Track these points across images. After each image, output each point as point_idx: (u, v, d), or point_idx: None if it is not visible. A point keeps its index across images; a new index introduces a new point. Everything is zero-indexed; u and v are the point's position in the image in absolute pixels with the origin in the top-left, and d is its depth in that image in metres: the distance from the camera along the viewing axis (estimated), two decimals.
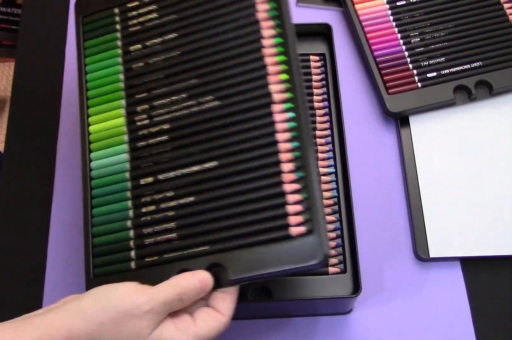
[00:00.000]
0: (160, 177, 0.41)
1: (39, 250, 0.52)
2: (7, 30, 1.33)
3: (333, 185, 0.51)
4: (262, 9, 0.42)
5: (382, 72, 0.57)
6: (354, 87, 0.60)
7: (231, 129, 0.40)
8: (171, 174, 0.41)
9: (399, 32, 0.59)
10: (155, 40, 0.45)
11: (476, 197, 0.53)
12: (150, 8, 0.46)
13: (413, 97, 0.56)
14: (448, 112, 0.57)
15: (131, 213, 0.42)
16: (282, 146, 0.39)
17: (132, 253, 0.41)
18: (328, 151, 0.53)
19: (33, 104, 0.60)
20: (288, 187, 0.38)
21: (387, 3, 0.60)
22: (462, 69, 0.57)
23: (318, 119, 0.54)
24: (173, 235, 0.40)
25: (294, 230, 0.37)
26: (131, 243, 0.41)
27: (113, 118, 0.44)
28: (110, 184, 0.43)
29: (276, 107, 0.40)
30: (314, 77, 0.56)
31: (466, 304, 0.50)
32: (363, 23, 0.60)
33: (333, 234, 0.48)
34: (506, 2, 0.60)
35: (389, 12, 0.60)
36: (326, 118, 0.54)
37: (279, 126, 0.39)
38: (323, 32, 0.58)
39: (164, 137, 0.42)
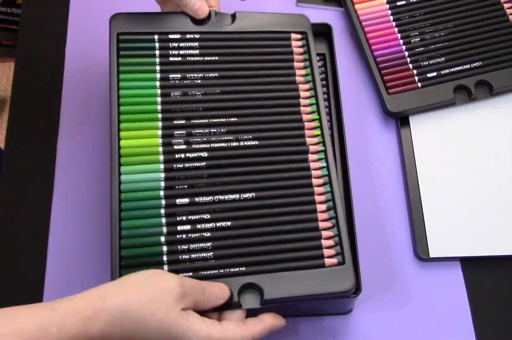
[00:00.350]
0: (197, 199, 0.44)
1: (39, 250, 0.52)
2: (7, 30, 1.33)
3: None
4: (300, 74, 0.50)
5: (382, 72, 0.57)
6: (354, 87, 0.60)
7: (268, 167, 0.46)
8: (208, 198, 0.44)
9: (399, 32, 0.59)
10: (196, 75, 0.48)
11: (476, 197, 0.53)
12: (192, 44, 0.49)
13: (413, 97, 0.56)
14: (448, 112, 0.57)
15: (164, 229, 0.43)
16: (317, 189, 0.46)
17: (165, 268, 0.42)
18: None
19: (33, 104, 0.60)
20: (322, 224, 0.44)
21: (387, 3, 0.60)
22: (462, 69, 0.57)
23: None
24: (209, 254, 0.42)
25: (327, 261, 0.43)
26: (164, 258, 0.42)
27: (147, 138, 0.46)
28: (142, 199, 0.44)
29: (311, 157, 0.47)
30: None
31: (466, 304, 0.50)
32: (363, 23, 0.59)
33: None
34: (506, 2, 0.60)
35: (389, 12, 0.60)
36: (326, 118, 0.54)
37: (314, 173, 0.46)
38: (323, 32, 0.58)
39: (202, 164, 0.45)
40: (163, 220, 0.43)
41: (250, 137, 0.46)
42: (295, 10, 0.64)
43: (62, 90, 0.59)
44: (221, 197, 0.44)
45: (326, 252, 0.43)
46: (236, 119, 0.47)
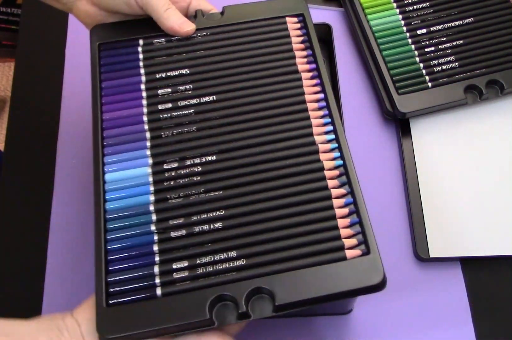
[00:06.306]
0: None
1: (39, 250, 0.52)
2: (7, 30, 1.33)
3: None
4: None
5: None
6: (353, 87, 0.60)
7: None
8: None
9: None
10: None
11: (477, 197, 0.53)
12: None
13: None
14: (447, 112, 0.57)
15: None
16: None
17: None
18: None
19: (33, 104, 0.60)
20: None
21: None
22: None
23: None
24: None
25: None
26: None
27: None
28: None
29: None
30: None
31: (466, 304, 0.50)
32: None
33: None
34: None
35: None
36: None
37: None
38: (322, 32, 0.58)
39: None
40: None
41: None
42: None
43: (62, 90, 0.59)
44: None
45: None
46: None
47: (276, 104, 0.44)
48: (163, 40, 0.47)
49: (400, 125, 0.57)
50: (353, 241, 0.38)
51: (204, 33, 0.47)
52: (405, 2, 0.60)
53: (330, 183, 0.40)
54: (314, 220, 0.39)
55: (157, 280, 0.37)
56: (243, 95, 0.44)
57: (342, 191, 0.40)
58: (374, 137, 0.57)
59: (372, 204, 0.54)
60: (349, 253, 0.37)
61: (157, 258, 0.38)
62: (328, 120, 0.43)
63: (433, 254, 0.51)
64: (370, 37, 0.58)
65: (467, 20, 0.58)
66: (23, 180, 0.56)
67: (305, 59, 0.46)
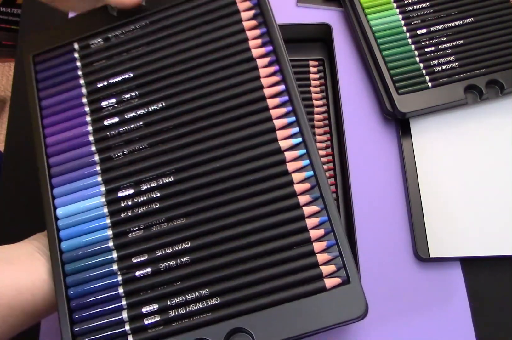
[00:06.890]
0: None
1: None
2: (7, 30, 1.33)
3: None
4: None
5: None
6: (353, 87, 0.60)
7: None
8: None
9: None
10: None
11: (476, 197, 0.53)
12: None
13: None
14: (446, 112, 0.57)
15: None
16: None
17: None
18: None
19: None
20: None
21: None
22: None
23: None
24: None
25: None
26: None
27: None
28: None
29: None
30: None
31: (466, 304, 0.50)
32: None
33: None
34: None
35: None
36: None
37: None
38: (322, 32, 0.58)
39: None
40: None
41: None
42: (296, 10, 0.64)
43: None
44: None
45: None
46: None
47: (233, 105, 0.37)
48: (100, 40, 0.40)
49: (400, 125, 0.57)
50: (332, 267, 0.34)
51: (144, 23, 0.40)
52: (405, 2, 0.60)
53: (301, 199, 0.36)
54: (288, 246, 0.35)
55: (127, 327, 0.34)
56: (194, 97, 0.38)
57: (315, 208, 0.35)
58: (374, 137, 0.57)
59: (372, 204, 0.54)
60: (328, 282, 0.34)
61: (124, 302, 0.35)
62: (293, 118, 0.37)
63: (433, 254, 0.51)
64: (370, 37, 0.58)
65: (467, 20, 0.58)
66: (23, 180, 0.56)
67: (260, 40, 0.38)
